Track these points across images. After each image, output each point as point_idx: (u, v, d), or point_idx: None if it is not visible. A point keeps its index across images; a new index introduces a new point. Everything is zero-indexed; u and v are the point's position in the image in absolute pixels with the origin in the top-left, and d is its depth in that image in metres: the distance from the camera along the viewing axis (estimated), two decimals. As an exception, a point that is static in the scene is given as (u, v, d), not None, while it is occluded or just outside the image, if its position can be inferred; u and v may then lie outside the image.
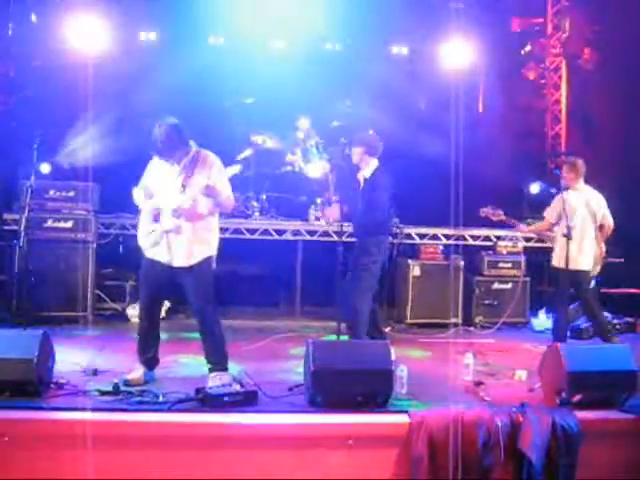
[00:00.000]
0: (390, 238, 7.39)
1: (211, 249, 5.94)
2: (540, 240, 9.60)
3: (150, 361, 6.01)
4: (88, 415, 4.95)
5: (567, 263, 6.85)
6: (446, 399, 5.48)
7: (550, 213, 7.62)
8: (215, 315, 5.98)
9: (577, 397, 5.35)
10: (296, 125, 9.92)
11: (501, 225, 8.48)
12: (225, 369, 5.88)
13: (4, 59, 9.72)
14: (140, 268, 6.05)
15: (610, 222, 7.68)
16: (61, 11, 9.79)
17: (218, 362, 5.90)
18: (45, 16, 9.76)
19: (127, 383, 5.67)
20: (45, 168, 9.02)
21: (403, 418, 5.07)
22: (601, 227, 7.64)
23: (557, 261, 7.47)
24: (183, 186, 5.73)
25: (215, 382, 5.62)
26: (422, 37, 10.48)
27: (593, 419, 5.24)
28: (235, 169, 5.81)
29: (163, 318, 8.36)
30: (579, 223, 7.41)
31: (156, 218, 5.81)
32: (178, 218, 5.75)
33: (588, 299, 7.63)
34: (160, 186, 5.85)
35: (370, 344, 6.21)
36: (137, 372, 5.88)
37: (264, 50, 10.72)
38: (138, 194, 5.95)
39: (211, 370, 5.87)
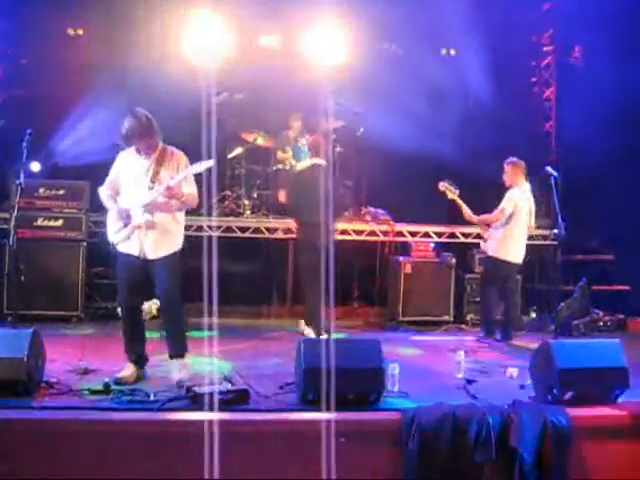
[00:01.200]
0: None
1: (178, 243, 6.04)
2: (531, 238, 9.63)
3: (139, 359, 6.01)
4: (78, 414, 4.94)
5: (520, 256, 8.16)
6: (438, 396, 5.48)
7: (506, 209, 8.11)
8: (181, 303, 6.07)
9: (568, 394, 5.36)
10: (288, 123, 9.90)
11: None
12: (183, 356, 5.98)
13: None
14: (116, 266, 6.14)
15: (533, 221, 8.41)
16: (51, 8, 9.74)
17: (179, 349, 5.99)
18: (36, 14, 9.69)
19: (118, 382, 5.66)
20: (35, 166, 8.97)
21: (395, 416, 5.07)
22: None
23: (509, 254, 8.14)
24: (152, 182, 5.82)
25: (179, 371, 5.80)
26: (413, 35, 10.45)
27: (585, 416, 5.24)
28: (208, 163, 5.77)
29: (155, 317, 8.36)
30: (523, 220, 8.15)
31: (125, 217, 5.88)
32: (150, 213, 5.81)
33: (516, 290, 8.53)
34: (129, 181, 5.92)
35: (362, 342, 6.21)
36: (127, 370, 5.88)
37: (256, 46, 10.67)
38: (104, 193, 6.04)
39: (171, 357, 5.98)
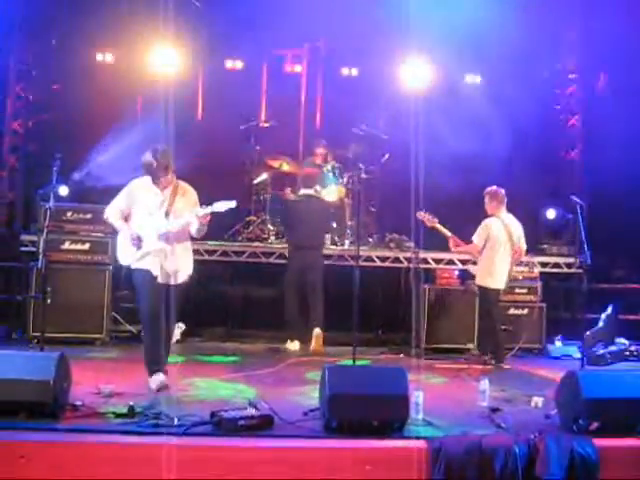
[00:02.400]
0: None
1: (190, 270, 6.38)
2: (556, 265, 9.61)
3: (160, 367, 6.21)
4: (103, 437, 4.96)
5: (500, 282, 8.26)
6: (463, 425, 5.44)
7: (479, 238, 8.27)
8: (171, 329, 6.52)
9: (594, 424, 5.30)
10: (312, 151, 9.95)
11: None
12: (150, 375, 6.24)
13: (24, 83, 9.83)
14: (134, 285, 6.33)
15: (524, 248, 8.47)
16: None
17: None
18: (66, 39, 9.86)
19: (156, 389, 6.04)
20: (63, 190, 9.08)
21: (421, 444, 5.03)
22: (514, 252, 8.33)
23: (490, 281, 8.27)
24: (167, 213, 6.13)
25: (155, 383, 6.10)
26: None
27: (612, 447, 5.17)
28: (231, 204, 5.93)
29: (178, 341, 8.40)
30: (502, 247, 8.21)
31: (136, 242, 6.14)
32: (164, 242, 6.13)
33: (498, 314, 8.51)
34: (144, 210, 6.18)
35: (386, 369, 6.19)
36: (157, 378, 6.10)
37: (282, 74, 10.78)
38: (114, 214, 6.30)
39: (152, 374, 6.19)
